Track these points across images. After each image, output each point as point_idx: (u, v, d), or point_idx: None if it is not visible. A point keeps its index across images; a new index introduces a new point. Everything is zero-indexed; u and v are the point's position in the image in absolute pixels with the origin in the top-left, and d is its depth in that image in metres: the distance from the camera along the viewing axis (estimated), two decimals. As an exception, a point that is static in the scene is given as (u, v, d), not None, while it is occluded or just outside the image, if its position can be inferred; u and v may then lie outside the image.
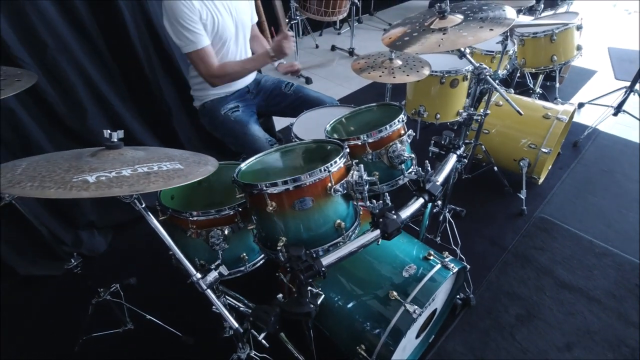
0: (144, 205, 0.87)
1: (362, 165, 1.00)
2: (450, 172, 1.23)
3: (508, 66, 2.36)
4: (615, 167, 2.45)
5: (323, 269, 0.91)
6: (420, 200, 1.08)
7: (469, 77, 2.04)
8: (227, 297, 1.15)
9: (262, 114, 1.99)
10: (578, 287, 1.76)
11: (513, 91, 2.30)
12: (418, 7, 5.49)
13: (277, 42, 1.62)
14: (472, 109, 1.39)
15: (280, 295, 1.09)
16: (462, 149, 1.29)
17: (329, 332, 1.32)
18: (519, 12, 2.82)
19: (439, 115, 2.13)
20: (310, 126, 1.60)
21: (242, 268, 1.27)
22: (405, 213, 1.03)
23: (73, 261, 1.31)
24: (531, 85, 2.86)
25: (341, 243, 1.00)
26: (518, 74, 3.00)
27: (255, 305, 1.12)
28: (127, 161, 0.82)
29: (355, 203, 1.07)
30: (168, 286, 1.84)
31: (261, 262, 1.30)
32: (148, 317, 1.55)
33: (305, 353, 1.39)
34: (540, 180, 2.23)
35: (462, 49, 1.22)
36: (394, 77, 1.58)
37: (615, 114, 2.59)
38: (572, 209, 2.17)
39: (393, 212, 0.99)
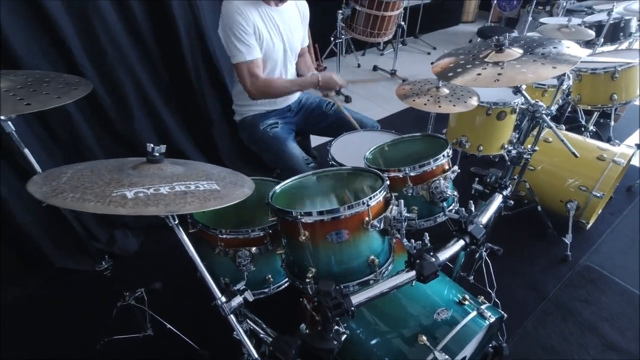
0: (177, 222, 0.87)
1: (402, 201, 0.95)
2: (494, 214, 1.15)
3: (560, 101, 2.23)
4: (674, 218, 2.24)
5: (352, 308, 0.86)
6: (461, 243, 1.01)
7: (517, 110, 1.95)
8: (248, 320, 1.11)
9: (301, 132, 1.99)
10: (627, 351, 1.59)
11: (564, 127, 2.17)
12: (465, 33, 5.41)
13: (331, 76, 1.68)
14: (522, 146, 1.31)
15: (303, 326, 1.05)
16: (509, 189, 1.21)
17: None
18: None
19: (481, 147, 2.04)
20: (349, 150, 1.56)
21: (266, 290, 1.24)
22: (444, 255, 0.96)
23: (104, 264, 1.33)
24: (583, 122, 2.69)
25: (373, 280, 0.95)
26: (569, 109, 2.85)
27: (277, 334, 1.08)
28: (166, 177, 0.82)
29: (390, 238, 1.02)
30: (191, 296, 1.83)
31: (285, 285, 1.27)
32: (168, 326, 1.55)
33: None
34: (589, 226, 2.06)
35: (519, 85, 1.15)
36: (440, 107, 1.52)
37: (677, 160, 2.38)
38: (622, 260, 1.99)
39: (431, 253, 0.93)
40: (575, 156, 1.29)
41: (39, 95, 0.87)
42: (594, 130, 2.51)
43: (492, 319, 1.12)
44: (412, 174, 1.06)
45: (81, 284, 1.91)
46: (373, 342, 1.18)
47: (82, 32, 1.64)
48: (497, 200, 1.16)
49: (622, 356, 1.57)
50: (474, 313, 1.12)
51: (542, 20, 3.09)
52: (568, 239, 1.97)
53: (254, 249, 1.15)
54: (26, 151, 1.02)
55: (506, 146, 2.02)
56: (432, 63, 1.30)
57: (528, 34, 2.92)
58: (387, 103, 3.59)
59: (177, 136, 2.09)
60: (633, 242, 2.09)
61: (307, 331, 1.06)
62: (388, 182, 1.00)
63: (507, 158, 1.32)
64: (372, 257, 0.94)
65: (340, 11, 3.25)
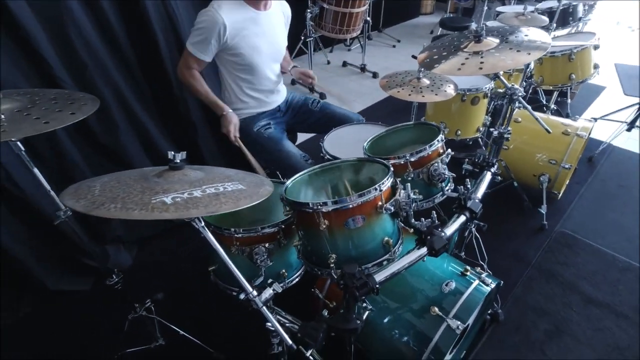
0: (202, 224, 0.90)
1: (409, 185, 1.03)
2: (486, 190, 1.25)
3: (524, 83, 2.41)
4: (632, 182, 2.48)
5: (377, 285, 0.93)
6: (462, 218, 1.11)
7: (489, 94, 2.09)
8: (279, 314, 1.16)
9: (290, 130, 2.04)
10: (605, 303, 1.77)
11: (530, 107, 2.34)
12: (425, 24, 5.62)
13: (233, 123, 1.75)
14: (502, 127, 1.43)
15: (325, 312, 1.11)
16: (495, 166, 1.32)
17: (365, 347, 1.33)
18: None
19: (459, 132, 2.17)
20: (341, 143, 1.64)
21: (282, 284, 1.28)
22: (450, 230, 1.06)
23: (115, 277, 1.33)
24: (544, 102, 2.90)
25: (388, 260, 1.02)
26: (530, 91, 3.06)
27: (302, 322, 1.13)
28: (193, 182, 0.85)
29: (399, 220, 1.10)
30: (194, 301, 1.86)
31: (298, 278, 1.32)
32: (181, 332, 1.56)
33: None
34: (560, 196, 2.25)
35: (497, 72, 1.27)
36: (423, 96, 1.62)
37: (629, 130, 2.63)
38: (592, 224, 2.19)
39: (440, 229, 1.02)
40: (548, 132, 1.43)
41: (53, 113, 0.88)
42: (555, 108, 2.72)
43: (493, 285, 1.23)
44: (412, 159, 1.14)
45: (79, 303, 1.87)
46: (386, 320, 1.27)
47: (59, 46, 1.60)
48: (487, 177, 1.27)
49: (601, 308, 1.74)
50: (476, 282, 1.23)
51: (498, 9, 3.30)
52: (543, 209, 2.15)
53: (268, 244, 1.19)
54: (36, 171, 1.01)
55: (481, 129, 2.16)
56: (414, 56, 1.40)
57: (488, 23, 3.10)
58: (360, 97, 3.69)
59: (161, 144, 2.07)
60: (598, 207, 2.31)
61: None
62: (392, 169, 1.08)
63: (488, 140, 1.44)
64: (387, 238, 1.02)
65: (308, 10, 3.31)
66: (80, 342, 1.71)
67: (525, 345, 1.62)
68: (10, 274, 1.75)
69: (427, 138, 1.23)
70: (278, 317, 1.14)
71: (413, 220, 1.04)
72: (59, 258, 1.84)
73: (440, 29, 4.42)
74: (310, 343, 1.03)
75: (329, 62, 4.46)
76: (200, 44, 1.60)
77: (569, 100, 3.09)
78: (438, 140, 1.18)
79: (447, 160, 1.20)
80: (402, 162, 1.15)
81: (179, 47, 1.99)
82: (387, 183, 1.00)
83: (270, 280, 1.00)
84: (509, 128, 2.02)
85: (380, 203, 0.97)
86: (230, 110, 1.74)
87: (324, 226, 0.96)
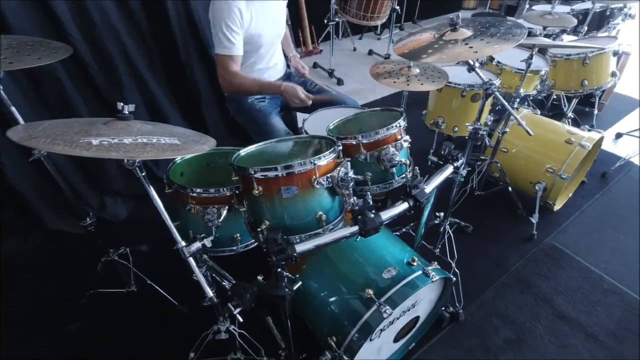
0: (144, 174, 0.97)
1: (348, 163, 1.04)
2: (441, 182, 1.24)
3: (539, 86, 2.29)
4: (644, 204, 2.32)
5: (295, 254, 0.96)
6: (405, 205, 1.11)
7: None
8: (214, 272, 1.23)
9: (285, 107, 2.08)
10: (577, 321, 1.70)
11: (539, 112, 2.23)
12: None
13: (295, 89, 1.68)
14: (478, 123, 1.39)
15: (260, 276, 1.16)
16: (461, 161, 1.30)
17: (308, 320, 1.38)
18: (562, 31, 2.73)
19: (456, 128, 2.12)
20: (322, 123, 1.65)
21: (235, 247, 1.35)
22: (386, 214, 1.06)
23: (88, 220, 1.44)
24: (565, 109, 2.75)
25: (319, 234, 1.05)
26: (554, 96, 2.90)
27: (237, 282, 1.19)
28: (133, 132, 0.92)
29: (343, 199, 1.12)
30: (175, 260, 1.96)
31: (254, 244, 1.38)
32: (148, 281, 1.67)
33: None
34: (557, 207, 2.15)
35: (472, 62, 1.24)
36: (408, 85, 1.60)
37: (653, 149, 2.45)
38: (587, 241, 2.08)
39: (373, 211, 1.03)
40: (529, 134, 1.38)
41: (22, 56, 0.97)
42: (573, 117, 2.57)
43: (436, 278, 1.22)
44: (364, 141, 1.15)
45: (71, 243, 2.04)
46: (328, 296, 1.31)
47: (73, 5, 1.72)
48: (447, 171, 1.25)
49: (570, 326, 1.67)
50: (419, 272, 1.23)
51: (534, 7, 3.12)
52: (534, 219, 2.06)
53: (222, 208, 1.26)
54: (13, 109, 1.13)
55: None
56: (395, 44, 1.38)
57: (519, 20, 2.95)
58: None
59: (164, 107, 2.19)
60: (600, 225, 2.18)
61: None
62: (340, 147, 1.10)
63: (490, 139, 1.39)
64: (321, 213, 1.04)
65: (334, -7, 3.29)
66: (59, 280, 1.87)
67: (480, 350, 1.60)
68: (15, 209, 1.94)
69: (391, 123, 1.23)
70: (216, 275, 1.20)
71: (351, 199, 1.06)
72: (58, 199, 2.00)
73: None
74: (237, 301, 1.10)
75: (355, 49, 4.42)
76: (227, 41, 1.62)
77: (595, 111, 2.90)
78: (396, 125, 1.18)
79: (403, 146, 1.20)
80: (355, 143, 1.16)
81: (187, 15, 2.08)
82: (326, 158, 1.02)
83: (202, 235, 1.06)
84: (507, 130, 1.97)
85: (314, 177, 1.00)
86: (285, 83, 1.72)
87: (257, 192, 1.00)
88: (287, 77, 2.08)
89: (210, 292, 1.04)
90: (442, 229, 1.80)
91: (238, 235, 1.33)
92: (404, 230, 1.92)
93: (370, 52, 4.31)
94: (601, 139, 2.00)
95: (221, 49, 1.64)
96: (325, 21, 3.47)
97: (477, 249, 2.02)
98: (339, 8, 3.42)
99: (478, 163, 2.26)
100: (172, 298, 1.70)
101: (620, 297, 1.80)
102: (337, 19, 3.47)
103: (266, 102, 1.89)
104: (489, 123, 2.12)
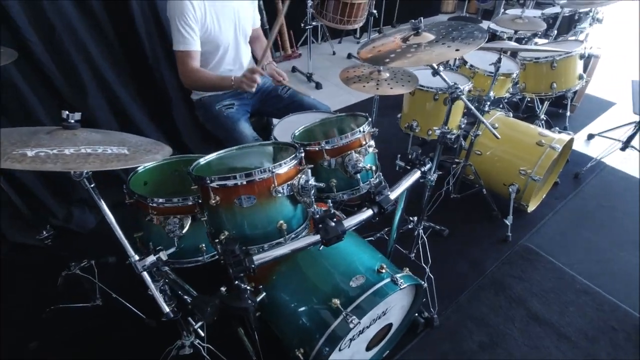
0: (93, 185, 0.92)
1: (309, 170, 1.02)
2: (411, 186, 1.22)
3: (511, 89, 2.31)
4: (615, 203, 2.36)
5: (253, 265, 0.93)
6: (369, 212, 1.09)
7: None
8: (175, 285, 1.18)
9: (256, 113, 2.05)
10: (550, 322, 1.70)
11: (512, 114, 2.25)
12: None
13: (245, 75, 1.58)
14: (446, 127, 1.38)
15: (223, 288, 1.12)
16: (428, 165, 1.29)
17: (278, 330, 1.34)
18: (534, 35, 2.77)
19: (430, 132, 2.12)
20: (291, 128, 1.62)
21: (200, 258, 1.31)
22: (349, 222, 1.04)
23: (45, 232, 1.38)
24: (538, 112, 2.79)
25: (280, 244, 1.02)
26: (528, 99, 2.94)
27: (198, 294, 1.15)
28: (78, 141, 0.87)
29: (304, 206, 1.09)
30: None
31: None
32: (114, 295, 1.61)
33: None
34: (530, 209, 2.17)
35: (435, 67, 1.23)
36: (378, 89, 1.59)
37: (622, 149, 2.50)
38: (561, 242, 2.11)
39: (335, 219, 1.01)
40: (497, 138, 1.37)
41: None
42: (545, 119, 2.61)
43: (404, 285, 1.20)
44: (327, 147, 1.12)
45: (35, 256, 1.95)
46: (297, 306, 1.27)
47: (27, 7, 1.65)
48: (414, 176, 1.24)
49: (544, 327, 1.68)
50: (387, 280, 1.21)
51: (507, 12, 3.17)
52: (509, 221, 2.07)
53: (184, 218, 1.21)
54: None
55: (455, 131, 2.10)
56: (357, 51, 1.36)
57: (491, 25, 2.99)
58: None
59: (133, 112, 2.12)
60: (573, 225, 2.21)
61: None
62: (302, 154, 1.07)
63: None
64: (282, 222, 1.01)
65: (310, -3, 3.28)
66: (21, 294, 1.79)
67: (455, 354, 1.59)
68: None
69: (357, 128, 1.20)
70: (178, 287, 1.16)
71: (313, 207, 1.03)
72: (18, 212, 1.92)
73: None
74: (198, 315, 1.06)
75: (334, 53, 4.42)
76: (182, 36, 1.60)
77: (568, 113, 2.97)
78: (360, 131, 1.16)
79: (368, 152, 1.17)
80: (318, 149, 1.13)
81: (154, 14, 2.02)
82: (286, 165, 0.99)
83: (159, 247, 1.02)
84: (479, 132, 1.97)
85: (273, 185, 0.97)
86: (235, 76, 1.63)
87: (214, 202, 0.96)
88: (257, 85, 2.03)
89: (166, 308, 0.99)
90: (416, 232, 1.79)
91: (203, 245, 1.29)
92: (378, 235, 1.90)
93: (350, 56, 4.32)
94: (571, 140, 2.03)
95: (177, 44, 1.63)
96: (302, 25, 3.46)
97: (453, 252, 2.02)
98: (316, 12, 3.41)
99: (453, 166, 2.26)
100: (140, 311, 1.64)
101: (592, 297, 1.82)
102: (314, 23, 3.46)
103: (234, 108, 1.85)
104: (463, 126, 2.13)
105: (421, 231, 1.75)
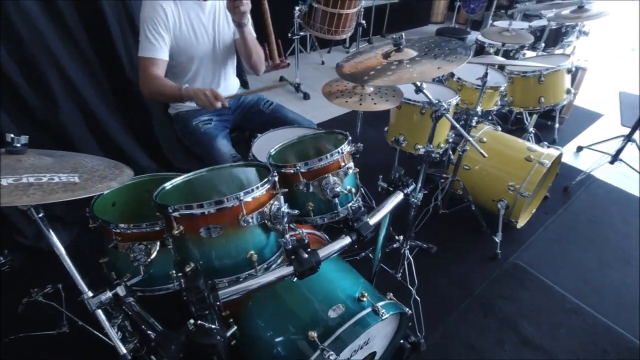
0: (41, 215, 0.84)
1: (281, 197, 0.95)
2: (392, 210, 1.16)
3: (499, 102, 2.28)
4: (605, 218, 2.32)
5: (218, 302, 0.85)
6: (347, 240, 1.02)
7: (451, 110, 1.97)
8: (139, 318, 1.09)
9: (237, 128, 1.97)
10: (541, 346, 1.64)
11: (500, 128, 2.21)
12: (432, 33, 5.47)
13: (206, 93, 1.47)
14: (430, 145, 1.32)
15: (191, 321, 1.03)
16: (411, 187, 1.22)
17: (247, 355, 1.26)
18: (521, 47, 2.75)
19: (418, 146, 2.06)
20: (271, 145, 1.55)
21: (171, 285, 1.22)
22: (325, 252, 0.97)
23: (2, 258, 1.28)
24: (527, 124, 2.76)
25: (251, 275, 0.94)
26: (517, 111, 2.92)
27: (162, 330, 1.06)
28: (22, 168, 0.79)
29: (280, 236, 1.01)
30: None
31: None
32: (80, 323, 1.51)
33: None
34: (520, 224, 2.12)
35: (419, 84, 1.17)
36: (360, 104, 1.53)
37: (612, 162, 2.47)
38: (550, 259, 2.05)
39: (309, 249, 0.93)
40: (483, 156, 1.32)
41: None
42: (534, 132, 2.57)
43: (385, 316, 1.13)
44: (302, 169, 1.06)
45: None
46: (269, 334, 1.20)
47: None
48: (396, 198, 1.17)
49: (535, 352, 1.62)
50: (367, 310, 1.14)
51: (495, 23, 3.16)
52: (498, 238, 2.02)
53: (151, 243, 1.13)
54: None
55: (442, 145, 2.04)
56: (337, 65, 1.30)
57: (479, 37, 2.97)
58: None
59: (110, 126, 2.04)
60: (562, 241, 2.16)
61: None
62: (276, 177, 1.00)
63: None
64: (252, 252, 0.93)
65: (297, 7, 3.23)
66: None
67: (443, 381, 1.51)
68: None
69: (335, 148, 1.14)
70: (137, 319, 1.07)
71: (286, 237, 0.95)
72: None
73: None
74: (161, 353, 0.97)
75: (323, 63, 4.38)
76: (149, 42, 1.52)
77: (557, 125, 2.95)
78: (338, 152, 1.09)
79: (348, 174, 1.11)
80: (293, 172, 1.06)
81: (131, 24, 1.94)
82: (256, 192, 0.92)
83: (116, 282, 0.93)
84: (467, 148, 1.92)
85: (241, 214, 0.89)
86: (185, 86, 1.52)
87: (177, 232, 0.89)
88: (239, 99, 1.95)
89: (123, 349, 0.91)
90: (402, 251, 1.72)
91: (173, 272, 1.20)
92: (362, 254, 1.83)
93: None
94: (560, 155, 1.99)
95: (143, 51, 1.53)
96: (290, 35, 3.41)
97: (441, 271, 1.96)
98: (304, 22, 3.36)
99: (441, 181, 2.21)
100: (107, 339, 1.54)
101: (583, 317, 1.76)
102: (302, 33, 3.42)
103: (212, 124, 1.77)
104: (450, 140, 2.08)
105: (407, 251, 1.69)
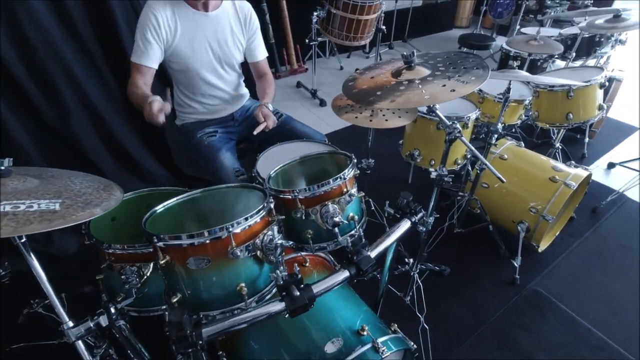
0: (23, 240, 0.81)
1: (275, 227, 0.88)
2: (398, 239, 1.08)
3: (523, 116, 2.14)
4: (637, 243, 2.14)
5: (201, 341, 0.80)
6: (345, 274, 0.94)
7: (469, 124, 1.86)
8: (127, 343, 1.06)
9: (241, 140, 1.92)
10: (559, 385, 1.51)
11: (524, 143, 2.08)
12: (454, 38, 5.29)
13: (152, 103, 1.35)
14: (443, 168, 1.23)
15: (180, 357, 0.99)
16: (420, 214, 1.14)
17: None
18: (550, 56, 2.59)
19: (433, 162, 1.96)
20: (277, 161, 1.49)
21: (165, 307, 1.18)
22: (319, 287, 0.90)
23: (1, 271, 1.27)
24: (554, 138, 2.60)
25: (242, 310, 0.88)
26: (539, 127, 2.75)
27: None
28: (3, 193, 0.76)
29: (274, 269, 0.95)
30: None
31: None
32: (79, 335, 1.49)
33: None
34: (541, 248, 1.98)
35: (432, 105, 1.08)
36: (371, 121, 1.45)
37: (646, 182, 2.29)
38: (575, 287, 1.91)
39: (302, 285, 0.87)
40: (502, 181, 1.21)
41: None
42: (561, 147, 2.41)
43: (386, 354, 1.05)
44: (300, 196, 0.99)
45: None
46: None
47: (6, 27, 1.57)
48: (403, 227, 1.09)
49: (553, 391, 1.49)
50: (367, 346, 1.06)
51: (523, 30, 3.00)
52: (517, 262, 1.89)
53: (144, 265, 1.09)
54: None
55: (460, 161, 1.93)
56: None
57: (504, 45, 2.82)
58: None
59: (122, 135, 2.04)
60: (588, 267, 2.01)
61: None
62: (272, 203, 0.94)
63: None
64: (242, 285, 0.87)
65: (315, 13, 3.17)
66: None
67: (450, 418, 1.42)
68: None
69: (341, 171, 1.07)
70: (125, 345, 1.03)
71: (278, 270, 0.89)
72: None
73: (460, 46, 4.09)
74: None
75: (342, 68, 4.31)
76: (139, 48, 1.49)
77: (586, 139, 2.77)
78: (341, 177, 1.02)
79: (351, 201, 1.03)
80: (291, 197, 1.00)
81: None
82: (249, 221, 0.86)
83: (100, 310, 0.89)
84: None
85: (230, 247, 0.83)
86: (151, 98, 1.37)
87: (163, 262, 0.84)
88: (246, 110, 1.89)
89: (101, 385, 0.86)
90: (412, 274, 1.63)
91: (167, 294, 1.16)
92: (370, 274, 1.74)
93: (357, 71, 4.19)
94: (589, 176, 1.84)
95: (132, 55, 1.51)
96: (307, 41, 3.36)
97: (454, 295, 1.85)
98: (322, 28, 3.30)
99: (458, 198, 2.10)
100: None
101: (609, 354, 1.62)
102: (320, 39, 3.36)
103: (217, 136, 1.73)
104: (469, 156, 1.96)
105: (416, 276, 1.59)
